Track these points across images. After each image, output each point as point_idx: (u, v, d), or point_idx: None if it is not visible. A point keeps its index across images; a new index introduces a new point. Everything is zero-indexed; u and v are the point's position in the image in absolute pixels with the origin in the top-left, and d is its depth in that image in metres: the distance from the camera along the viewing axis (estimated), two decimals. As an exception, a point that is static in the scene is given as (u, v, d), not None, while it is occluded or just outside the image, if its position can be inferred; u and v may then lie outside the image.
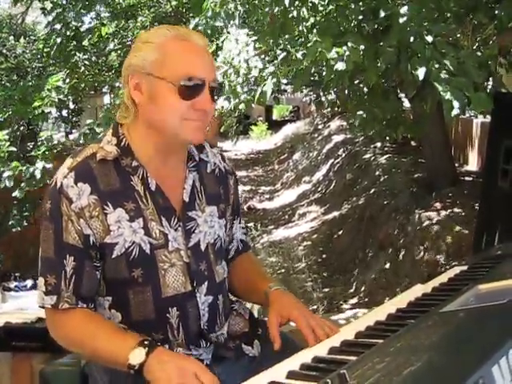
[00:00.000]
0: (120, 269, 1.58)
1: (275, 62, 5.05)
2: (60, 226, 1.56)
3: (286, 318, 1.60)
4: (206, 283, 1.67)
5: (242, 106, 5.56)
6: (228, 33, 5.50)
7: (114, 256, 1.57)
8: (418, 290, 1.73)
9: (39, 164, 6.20)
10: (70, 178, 1.56)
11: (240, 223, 1.91)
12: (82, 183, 1.56)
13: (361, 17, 4.26)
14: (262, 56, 5.06)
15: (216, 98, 1.63)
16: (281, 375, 1.19)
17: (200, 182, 1.72)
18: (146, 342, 1.47)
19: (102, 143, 1.64)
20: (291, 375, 1.18)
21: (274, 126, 27.66)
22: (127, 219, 1.58)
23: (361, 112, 4.97)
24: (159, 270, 1.59)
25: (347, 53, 3.68)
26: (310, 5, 4.84)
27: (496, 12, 3.85)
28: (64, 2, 8.44)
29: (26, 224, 8.17)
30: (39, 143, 6.68)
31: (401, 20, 3.72)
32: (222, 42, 5.68)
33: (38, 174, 6.10)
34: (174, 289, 1.61)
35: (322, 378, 1.01)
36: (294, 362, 1.25)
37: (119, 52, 12.76)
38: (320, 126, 19.52)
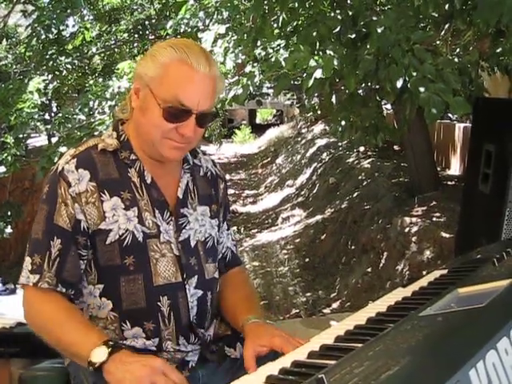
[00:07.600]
0: (113, 256, 1.63)
1: (255, 64, 5.05)
2: (53, 208, 1.61)
3: (267, 346, 1.54)
4: (195, 277, 1.72)
5: (218, 105, 5.55)
6: (208, 29, 5.50)
7: (107, 242, 1.62)
8: (398, 294, 1.73)
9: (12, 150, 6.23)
10: (72, 163, 1.64)
11: (228, 230, 1.95)
12: (83, 169, 1.63)
13: (339, 26, 4.28)
14: (243, 56, 5.05)
15: (204, 124, 1.67)
16: (259, 380, 1.19)
17: (193, 183, 1.80)
18: (110, 343, 1.47)
19: (103, 136, 1.73)
20: (269, 380, 1.18)
21: (258, 129, 27.72)
22: (122, 207, 1.64)
23: (339, 119, 4.99)
24: (151, 258, 1.65)
25: (323, 61, 3.70)
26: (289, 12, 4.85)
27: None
28: (44, 5, 8.37)
29: (10, 231, 8.09)
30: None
31: (379, 28, 3.74)
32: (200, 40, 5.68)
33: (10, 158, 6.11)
34: (165, 278, 1.66)
35: (300, 382, 1.01)
36: (274, 367, 1.25)
37: (102, 55, 12.73)
38: (303, 130, 19.56)
